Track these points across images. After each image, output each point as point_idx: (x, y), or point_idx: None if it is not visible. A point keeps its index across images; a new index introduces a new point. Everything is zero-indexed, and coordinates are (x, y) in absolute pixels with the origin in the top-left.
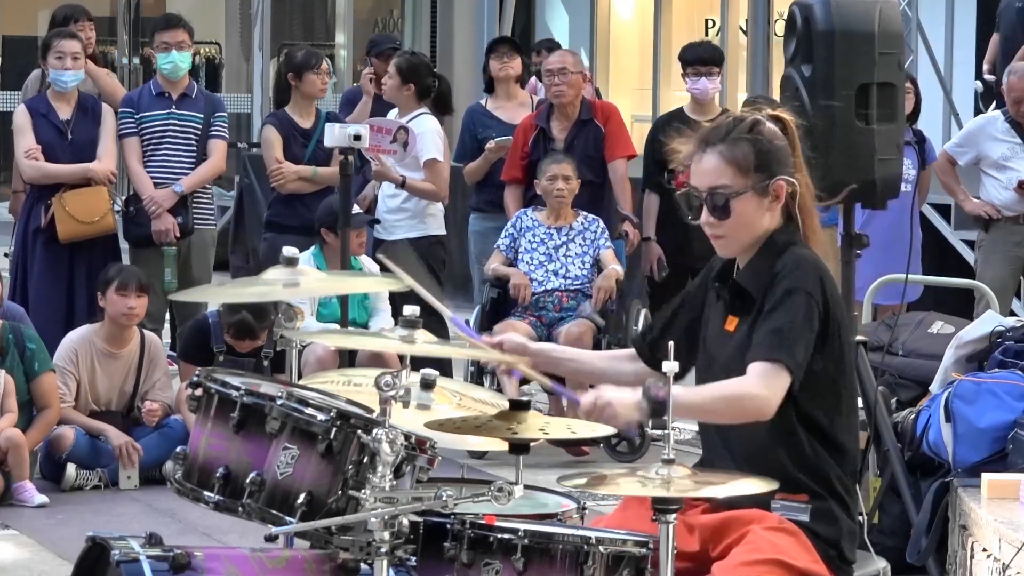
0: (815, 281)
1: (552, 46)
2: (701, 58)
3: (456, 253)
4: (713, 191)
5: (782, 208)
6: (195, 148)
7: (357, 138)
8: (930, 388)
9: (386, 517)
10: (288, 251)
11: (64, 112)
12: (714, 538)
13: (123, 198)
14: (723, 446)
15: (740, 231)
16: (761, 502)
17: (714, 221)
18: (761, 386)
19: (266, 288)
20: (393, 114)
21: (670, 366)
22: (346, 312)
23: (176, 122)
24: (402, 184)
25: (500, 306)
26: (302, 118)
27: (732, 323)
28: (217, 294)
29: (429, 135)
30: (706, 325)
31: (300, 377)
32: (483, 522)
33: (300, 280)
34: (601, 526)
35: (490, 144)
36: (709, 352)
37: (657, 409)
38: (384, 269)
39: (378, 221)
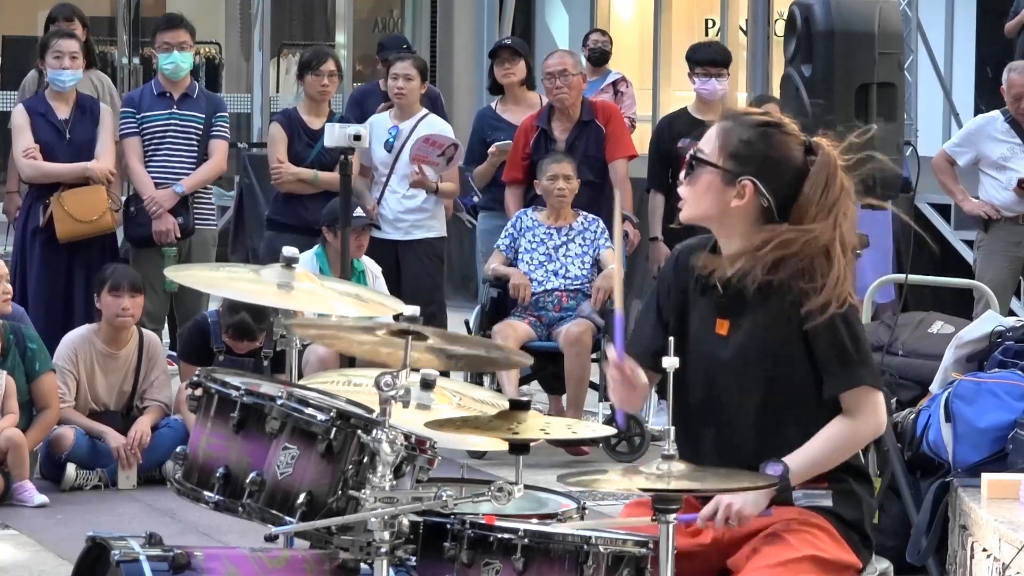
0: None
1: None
2: (712, 59)
3: (456, 253)
4: (696, 152)
5: (758, 217)
6: (196, 148)
7: (357, 138)
8: (930, 388)
9: (386, 517)
10: (288, 251)
11: (62, 112)
12: (727, 536)
13: (123, 198)
14: (731, 446)
15: (693, 200)
16: (778, 500)
17: (683, 179)
18: (868, 415)
19: (260, 286)
20: (386, 115)
21: (670, 362)
22: None
23: (177, 122)
24: (435, 190)
25: (500, 306)
26: (311, 117)
27: (723, 327)
28: (212, 280)
29: (450, 134)
30: (690, 319)
31: (300, 377)
32: (483, 522)
33: (294, 285)
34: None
35: (492, 148)
36: (700, 353)
37: (782, 487)
38: None
39: (377, 226)
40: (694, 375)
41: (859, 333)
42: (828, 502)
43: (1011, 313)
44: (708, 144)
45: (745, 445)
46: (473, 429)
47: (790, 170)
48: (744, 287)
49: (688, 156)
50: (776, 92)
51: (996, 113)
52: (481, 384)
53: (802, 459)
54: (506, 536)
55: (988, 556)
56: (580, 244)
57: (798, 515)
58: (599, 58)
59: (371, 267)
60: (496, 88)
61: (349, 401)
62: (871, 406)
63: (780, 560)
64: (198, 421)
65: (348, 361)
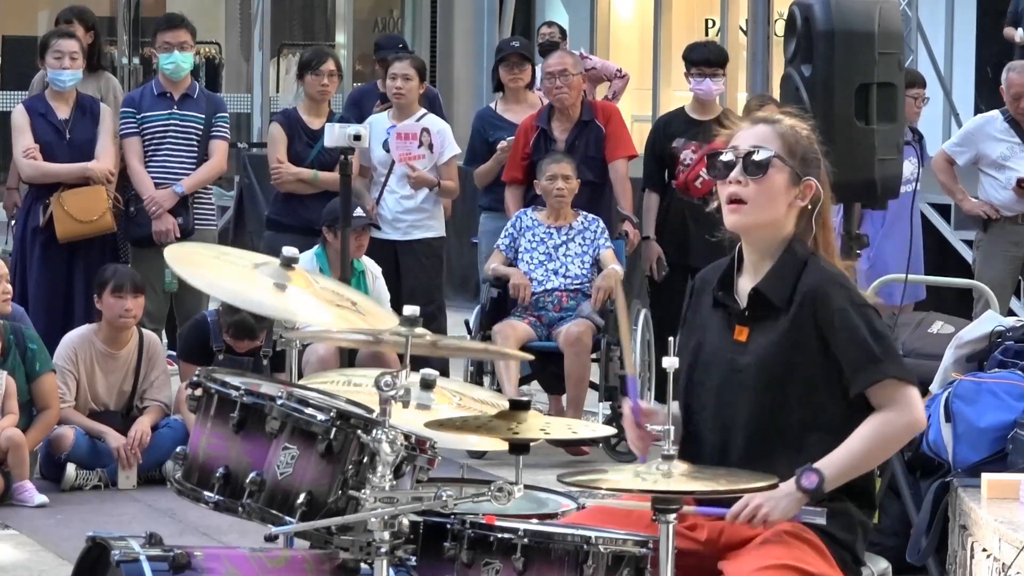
0: (858, 292)
1: (551, 28)
2: (707, 59)
3: (456, 253)
4: (757, 148)
5: (798, 218)
6: (196, 148)
7: (357, 138)
8: (930, 388)
9: (386, 517)
10: (288, 251)
11: (62, 112)
12: (722, 538)
13: (121, 198)
14: (727, 452)
15: (763, 201)
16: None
17: (744, 179)
18: (900, 408)
19: (255, 283)
20: (385, 115)
21: (670, 361)
22: None
23: (177, 122)
24: (437, 187)
25: (500, 306)
26: (310, 117)
27: (743, 333)
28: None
29: (447, 132)
30: (700, 332)
31: (300, 377)
32: (483, 522)
33: (289, 287)
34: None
35: (502, 144)
36: (716, 360)
37: (817, 494)
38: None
39: (378, 227)
40: (707, 380)
41: (878, 327)
42: (822, 520)
43: (1011, 313)
44: (765, 139)
45: (751, 448)
46: (473, 429)
47: (819, 166)
48: (767, 298)
49: (745, 153)
50: (776, 92)
51: (995, 113)
52: (481, 384)
53: (836, 462)
54: (506, 536)
55: (988, 556)
56: (580, 243)
57: (791, 528)
58: (549, 49)
59: (371, 267)
60: (500, 86)
61: (349, 401)
62: (903, 399)
63: (762, 565)
64: (198, 421)
65: (348, 361)
